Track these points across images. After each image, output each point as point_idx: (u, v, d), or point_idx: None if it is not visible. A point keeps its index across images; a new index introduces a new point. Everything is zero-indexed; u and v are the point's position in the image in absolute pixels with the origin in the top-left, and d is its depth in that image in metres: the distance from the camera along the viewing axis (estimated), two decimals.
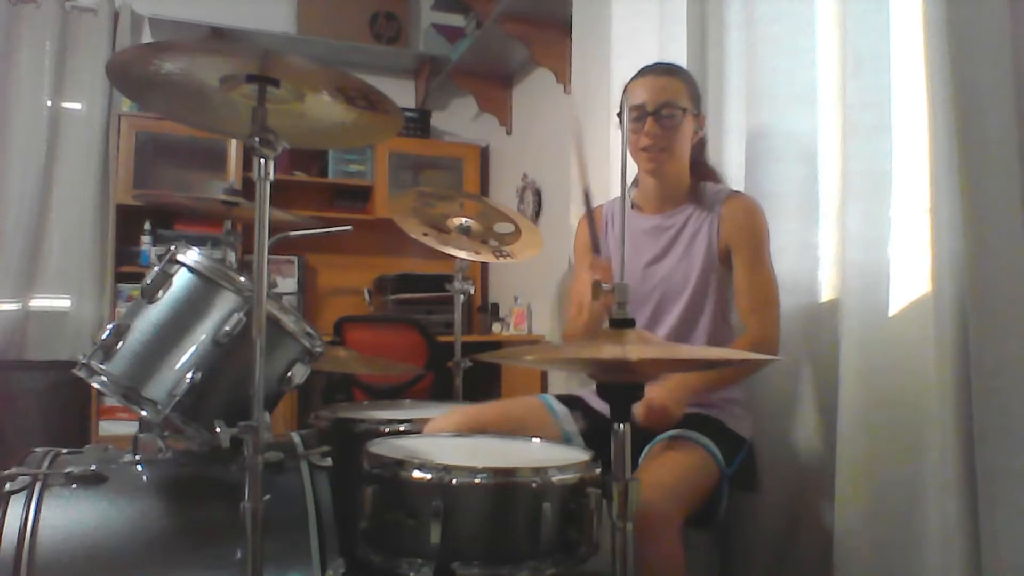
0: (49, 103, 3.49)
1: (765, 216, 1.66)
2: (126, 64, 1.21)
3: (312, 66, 1.17)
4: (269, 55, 1.15)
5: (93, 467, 1.32)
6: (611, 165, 2.43)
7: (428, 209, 2.10)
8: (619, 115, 1.74)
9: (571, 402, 1.72)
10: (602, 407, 1.64)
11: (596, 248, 1.55)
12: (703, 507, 1.48)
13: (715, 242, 1.66)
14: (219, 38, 3.64)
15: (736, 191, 1.75)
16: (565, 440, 1.60)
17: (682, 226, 1.70)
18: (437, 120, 4.25)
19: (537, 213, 3.62)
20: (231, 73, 1.20)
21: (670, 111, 1.63)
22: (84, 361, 1.30)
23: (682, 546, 1.33)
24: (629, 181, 1.75)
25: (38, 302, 3.47)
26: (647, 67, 1.72)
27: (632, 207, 1.78)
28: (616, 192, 2.12)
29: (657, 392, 1.44)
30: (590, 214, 1.46)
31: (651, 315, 1.70)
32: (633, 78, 1.70)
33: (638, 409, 1.38)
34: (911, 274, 1.49)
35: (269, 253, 1.20)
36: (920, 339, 1.42)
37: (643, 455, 1.49)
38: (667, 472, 1.42)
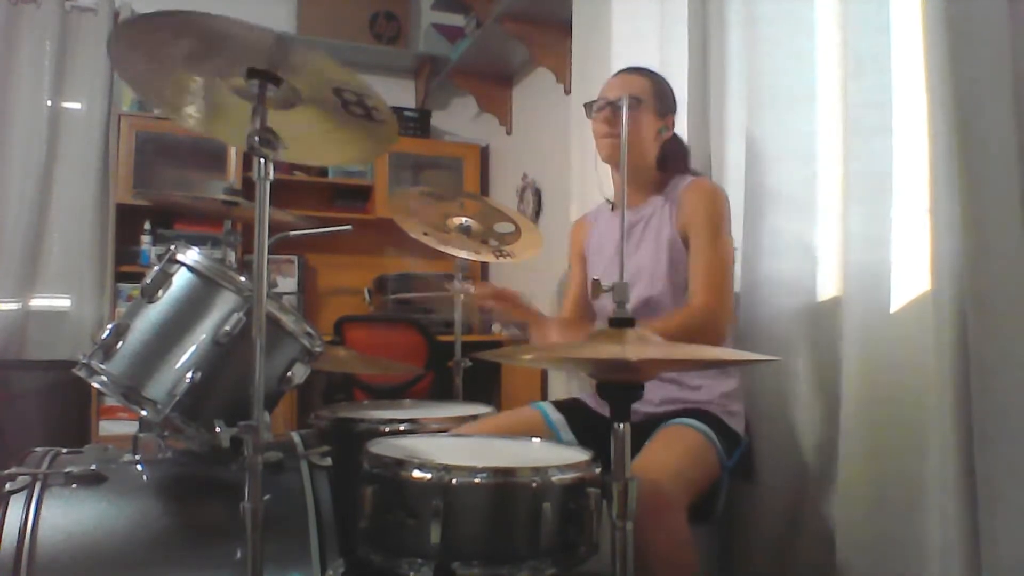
0: (49, 103, 3.49)
1: (725, 197, 1.69)
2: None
3: (315, 56, 1.15)
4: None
5: (93, 467, 1.32)
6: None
7: (428, 209, 2.10)
8: (586, 106, 1.78)
9: (569, 407, 1.72)
10: (601, 407, 1.64)
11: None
12: (704, 499, 1.48)
13: (675, 229, 1.68)
14: None
15: (700, 178, 1.78)
16: None
17: (648, 217, 1.74)
18: (437, 120, 4.25)
19: (537, 213, 3.62)
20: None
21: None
22: (84, 361, 1.30)
23: (689, 528, 1.34)
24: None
25: (38, 302, 3.47)
26: (619, 70, 1.82)
27: (611, 207, 1.88)
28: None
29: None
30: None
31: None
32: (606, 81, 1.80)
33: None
34: (911, 274, 1.49)
35: (269, 253, 1.20)
36: (920, 338, 1.42)
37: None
38: (672, 455, 1.44)
